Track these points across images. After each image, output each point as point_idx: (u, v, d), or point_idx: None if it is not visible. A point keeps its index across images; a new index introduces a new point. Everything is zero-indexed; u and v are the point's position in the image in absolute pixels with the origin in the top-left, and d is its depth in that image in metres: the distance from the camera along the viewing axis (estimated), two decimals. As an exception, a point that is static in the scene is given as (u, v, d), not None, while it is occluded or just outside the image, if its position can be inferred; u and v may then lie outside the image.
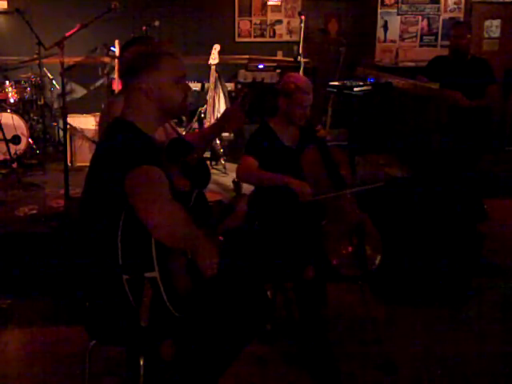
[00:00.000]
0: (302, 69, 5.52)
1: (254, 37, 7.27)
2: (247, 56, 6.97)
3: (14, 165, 5.26)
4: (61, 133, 6.11)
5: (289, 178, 2.82)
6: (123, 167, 1.81)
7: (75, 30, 3.97)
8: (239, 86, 6.44)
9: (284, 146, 3.04)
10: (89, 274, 2.00)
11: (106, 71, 6.47)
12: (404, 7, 7.37)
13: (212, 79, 5.74)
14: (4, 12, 6.67)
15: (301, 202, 2.76)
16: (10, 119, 5.51)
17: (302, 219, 2.86)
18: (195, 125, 5.87)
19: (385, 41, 7.45)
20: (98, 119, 5.52)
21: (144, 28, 5.85)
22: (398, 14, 7.39)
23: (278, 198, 2.85)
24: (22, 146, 5.60)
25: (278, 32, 7.29)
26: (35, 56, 5.97)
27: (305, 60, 5.63)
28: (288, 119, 3.01)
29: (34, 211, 4.21)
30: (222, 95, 5.96)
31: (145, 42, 2.68)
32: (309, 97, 2.95)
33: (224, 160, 5.66)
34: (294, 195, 2.76)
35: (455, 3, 7.42)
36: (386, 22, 7.39)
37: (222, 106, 5.94)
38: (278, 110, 3.05)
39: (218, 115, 5.80)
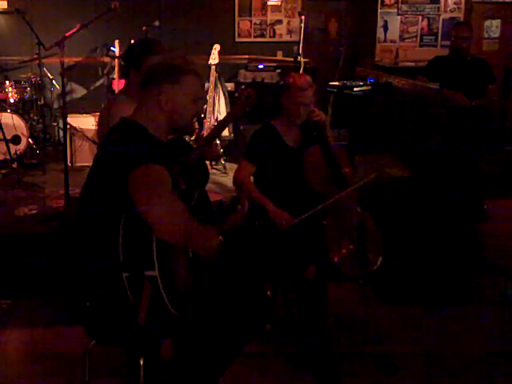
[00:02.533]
0: (301, 69, 5.52)
1: (254, 37, 7.27)
2: (247, 56, 6.97)
3: (14, 165, 5.26)
4: (61, 133, 6.11)
5: (270, 205, 2.84)
6: (127, 166, 1.82)
7: (75, 30, 3.97)
8: (243, 86, 6.44)
9: (286, 146, 3.03)
10: (89, 272, 2.00)
11: (105, 71, 6.47)
12: (404, 7, 7.37)
13: (212, 79, 5.74)
14: (4, 12, 6.67)
15: (280, 229, 2.79)
16: (10, 119, 5.52)
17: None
18: (195, 125, 5.87)
19: (385, 41, 7.44)
20: (97, 119, 5.53)
21: (144, 28, 5.85)
22: (398, 14, 7.39)
23: (261, 222, 2.89)
24: (22, 146, 5.61)
25: (277, 32, 7.29)
26: (35, 56, 5.98)
27: (305, 60, 5.62)
28: (288, 117, 3.00)
29: (34, 211, 4.21)
30: (221, 95, 5.96)
31: (162, 50, 2.68)
32: (304, 93, 2.91)
33: (224, 160, 5.66)
34: (273, 223, 2.81)
35: (455, 3, 7.42)
36: (385, 22, 7.39)
37: (221, 106, 5.94)
38: (282, 108, 3.03)
39: (218, 115, 5.81)
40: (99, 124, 2.81)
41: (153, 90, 2.00)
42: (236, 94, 3.02)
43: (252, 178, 3.16)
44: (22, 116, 5.68)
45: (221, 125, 3.34)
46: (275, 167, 2.96)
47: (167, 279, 1.81)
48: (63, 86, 4.32)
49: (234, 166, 5.66)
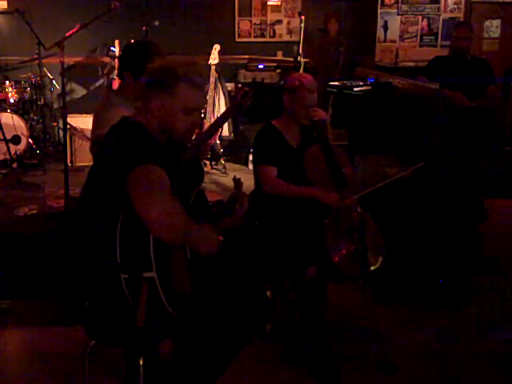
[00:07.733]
0: (301, 69, 5.52)
1: (254, 37, 7.26)
2: (247, 56, 6.96)
3: (14, 165, 5.26)
4: (61, 133, 6.11)
5: (314, 190, 2.85)
6: (125, 166, 1.82)
7: (75, 30, 3.97)
8: (239, 85, 6.45)
9: (289, 147, 3.03)
10: (88, 273, 2.00)
11: (105, 71, 6.46)
12: (404, 7, 7.37)
13: (212, 79, 5.74)
14: (4, 12, 6.67)
15: (330, 209, 2.82)
16: (10, 119, 5.51)
17: (303, 218, 2.86)
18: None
19: (385, 41, 7.44)
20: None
21: (144, 28, 5.85)
22: (398, 14, 7.39)
23: (308, 212, 2.87)
24: (22, 145, 5.60)
25: (278, 32, 7.29)
26: (35, 56, 5.98)
27: (305, 60, 5.63)
28: (292, 118, 3.00)
29: (34, 211, 4.21)
30: (221, 95, 5.96)
31: (159, 52, 2.67)
32: (312, 96, 2.94)
33: (224, 160, 5.66)
34: (324, 206, 2.81)
35: (455, 3, 7.42)
36: (385, 22, 7.38)
37: (221, 106, 5.94)
38: (283, 109, 3.03)
39: (218, 115, 5.80)
40: (95, 123, 2.78)
41: (150, 94, 2.00)
42: (232, 94, 3.01)
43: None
44: (21, 116, 5.68)
45: (216, 124, 3.33)
46: (280, 168, 2.95)
47: (165, 280, 1.81)
48: (63, 86, 4.32)
49: (234, 166, 5.73)
